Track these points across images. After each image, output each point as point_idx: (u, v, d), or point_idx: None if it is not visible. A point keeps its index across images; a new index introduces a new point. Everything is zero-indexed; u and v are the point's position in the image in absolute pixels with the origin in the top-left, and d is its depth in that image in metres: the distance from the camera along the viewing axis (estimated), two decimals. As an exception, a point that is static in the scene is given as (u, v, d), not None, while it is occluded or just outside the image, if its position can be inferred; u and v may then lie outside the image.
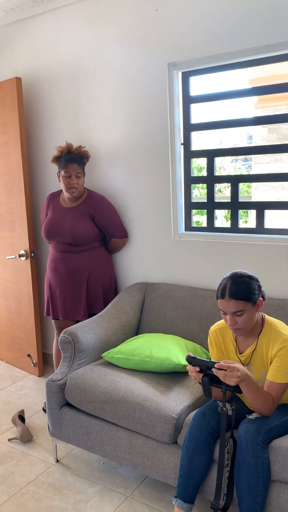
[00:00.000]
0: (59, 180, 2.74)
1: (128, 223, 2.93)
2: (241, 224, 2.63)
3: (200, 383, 1.75)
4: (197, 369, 1.73)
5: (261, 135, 5.76)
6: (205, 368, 1.72)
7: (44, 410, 2.84)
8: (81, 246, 2.75)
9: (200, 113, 2.72)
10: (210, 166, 2.63)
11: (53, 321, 2.93)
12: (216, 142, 6.13)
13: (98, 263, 2.81)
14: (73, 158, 2.69)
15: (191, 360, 1.73)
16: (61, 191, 2.88)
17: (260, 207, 2.51)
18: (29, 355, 3.34)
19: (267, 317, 1.86)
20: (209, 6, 2.38)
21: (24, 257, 3.20)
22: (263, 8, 2.23)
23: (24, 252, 3.20)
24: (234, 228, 2.60)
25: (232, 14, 2.32)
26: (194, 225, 2.79)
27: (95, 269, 2.79)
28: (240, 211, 2.61)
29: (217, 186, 4.31)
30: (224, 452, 1.72)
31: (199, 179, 2.76)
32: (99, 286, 2.81)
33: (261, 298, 1.79)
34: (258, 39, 2.27)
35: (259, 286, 1.79)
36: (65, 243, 2.75)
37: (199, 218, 4.94)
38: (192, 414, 1.93)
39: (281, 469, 1.66)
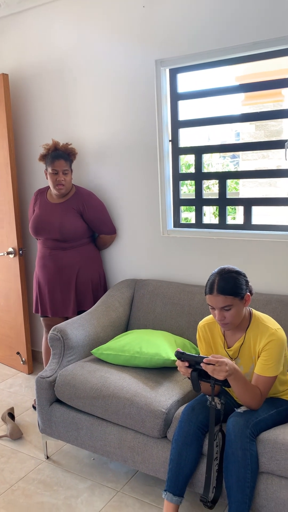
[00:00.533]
0: (47, 178, 2.73)
1: (117, 220, 2.94)
2: (229, 221, 2.65)
3: (189, 378, 1.76)
4: (186, 364, 1.75)
5: (249, 132, 5.80)
6: (194, 363, 1.73)
7: (34, 407, 2.84)
8: (69, 243, 2.75)
9: (187, 110, 2.73)
10: (198, 163, 2.65)
11: (41, 318, 2.93)
12: (204, 139, 6.16)
13: (87, 259, 2.81)
14: (59, 155, 2.68)
15: (180, 355, 1.75)
16: (48, 187, 2.87)
17: (248, 204, 2.53)
18: (18, 353, 3.33)
19: (254, 311, 1.88)
20: (196, 4, 2.39)
21: (12, 255, 3.19)
22: (250, 6, 2.25)
23: (12, 250, 3.18)
24: (222, 224, 2.62)
25: (219, 12, 2.33)
26: (182, 221, 2.81)
27: (84, 266, 2.80)
28: (228, 208, 2.63)
29: (205, 183, 4.33)
30: (213, 446, 1.74)
31: (187, 176, 2.77)
32: (88, 283, 2.81)
33: (248, 293, 1.81)
34: (245, 37, 2.29)
35: (247, 281, 1.81)
36: (53, 239, 2.75)
37: (188, 215, 4.97)
38: (182, 408, 1.95)
39: (269, 460, 1.69)
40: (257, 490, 1.72)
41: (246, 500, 1.67)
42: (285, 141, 2.33)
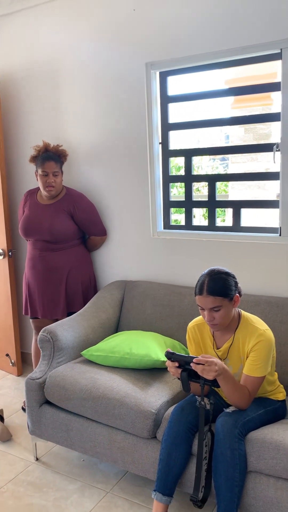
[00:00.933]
0: (37, 179, 2.73)
1: (107, 221, 2.95)
2: (219, 223, 2.68)
3: (179, 378, 1.78)
4: (176, 364, 1.76)
5: (238, 135, 5.86)
6: (184, 363, 1.75)
7: (23, 409, 2.83)
8: (60, 244, 2.75)
9: (178, 112, 2.76)
10: (188, 165, 2.67)
11: (31, 320, 2.92)
12: (194, 142, 6.19)
13: (77, 261, 2.82)
14: (49, 156, 2.68)
15: (170, 355, 1.76)
16: (39, 188, 2.87)
17: (237, 206, 2.56)
18: (7, 355, 3.32)
19: (243, 312, 1.90)
20: (186, 8, 2.42)
21: (2, 256, 3.18)
22: (240, 11, 2.28)
23: (1, 251, 3.17)
24: (212, 226, 2.65)
25: (209, 16, 2.36)
26: (172, 223, 2.82)
27: (74, 267, 2.80)
28: (218, 210, 2.66)
29: (195, 185, 4.36)
30: (203, 445, 1.76)
31: (177, 178, 2.79)
32: (79, 284, 2.82)
33: (237, 294, 1.83)
34: (235, 41, 2.31)
35: (236, 283, 1.83)
36: (44, 240, 2.75)
37: (178, 217, 5.00)
38: (171, 409, 1.96)
39: (257, 460, 1.71)
40: (246, 489, 1.74)
41: (234, 499, 1.68)
42: (273, 144, 2.36)
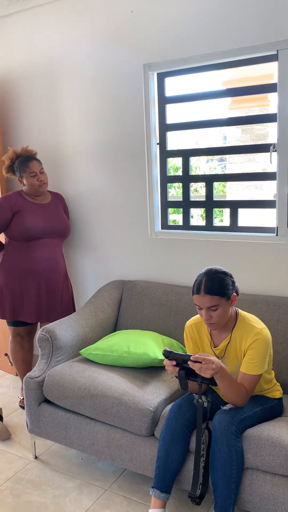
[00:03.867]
0: (23, 184, 2.71)
1: (105, 221, 2.96)
2: (216, 223, 2.70)
3: (177, 376, 1.80)
4: (174, 363, 1.78)
5: (235, 136, 5.88)
6: (182, 362, 1.77)
7: (20, 406, 2.85)
8: (62, 240, 2.87)
9: (175, 113, 2.77)
10: (186, 166, 2.69)
11: (14, 327, 2.79)
12: (192, 142, 6.21)
13: (64, 258, 2.95)
14: (30, 157, 2.70)
15: (167, 354, 1.78)
16: (19, 192, 2.77)
17: (234, 206, 2.58)
18: (6, 354, 3.33)
19: (240, 311, 1.92)
20: (183, 9, 2.44)
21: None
22: (236, 13, 2.30)
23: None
24: (209, 226, 2.67)
25: (207, 18, 2.38)
26: (170, 223, 2.84)
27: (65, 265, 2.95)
28: (215, 210, 2.68)
29: (193, 186, 4.38)
30: (200, 443, 1.77)
31: (175, 179, 2.81)
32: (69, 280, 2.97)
33: (234, 293, 1.85)
34: (231, 42, 2.33)
35: (233, 282, 1.85)
36: (54, 238, 2.78)
37: (175, 217, 5.01)
38: (169, 407, 1.98)
39: (253, 457, 1.73)
40: (242, 486, 1.76)
41: (231, 496, 1.70)
42: (270, 144, 2.38)
